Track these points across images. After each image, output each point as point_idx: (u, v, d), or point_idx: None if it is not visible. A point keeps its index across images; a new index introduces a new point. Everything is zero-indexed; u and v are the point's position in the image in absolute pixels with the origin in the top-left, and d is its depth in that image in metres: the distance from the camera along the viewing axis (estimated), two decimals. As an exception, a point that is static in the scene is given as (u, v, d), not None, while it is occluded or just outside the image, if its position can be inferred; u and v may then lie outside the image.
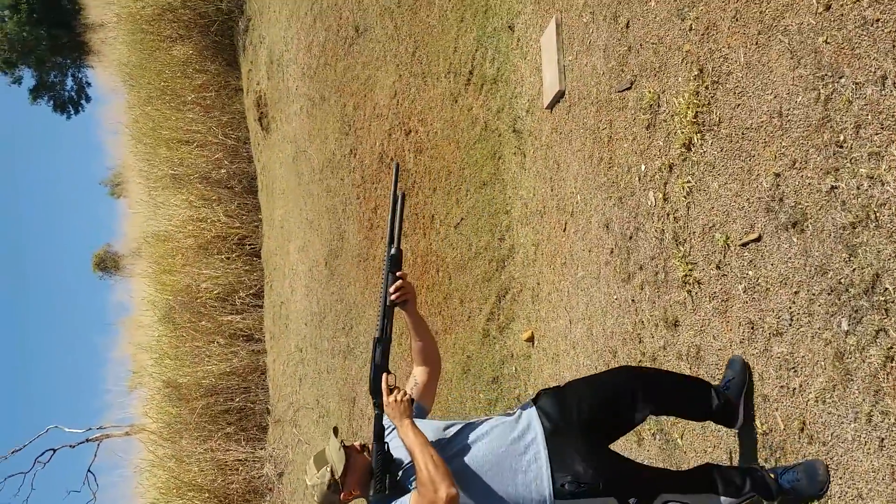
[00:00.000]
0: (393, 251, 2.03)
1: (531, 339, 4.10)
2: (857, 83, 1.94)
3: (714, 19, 2.58)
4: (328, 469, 2.12)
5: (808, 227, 2.18)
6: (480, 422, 2.20)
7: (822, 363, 2.14)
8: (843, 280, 2.05)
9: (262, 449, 8.53)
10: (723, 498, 2.19)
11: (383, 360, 2.11)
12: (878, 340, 1.94)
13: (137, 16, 9.64)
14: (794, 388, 2.27)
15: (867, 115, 1.92)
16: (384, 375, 2.11)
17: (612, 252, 3.38)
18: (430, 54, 5.58)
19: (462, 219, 4.99)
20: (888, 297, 1.90)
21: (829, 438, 2.14)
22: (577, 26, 3.72)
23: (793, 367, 2.27)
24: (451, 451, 2.11)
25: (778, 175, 2.29)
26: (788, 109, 2.22)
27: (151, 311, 10.16)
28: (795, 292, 2.25)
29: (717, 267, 2.61)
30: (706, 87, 2.63)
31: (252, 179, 9.72)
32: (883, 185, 1.88)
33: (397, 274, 2.09)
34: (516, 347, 4.23)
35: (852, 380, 2.03)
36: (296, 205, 8.49)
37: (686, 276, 2.79)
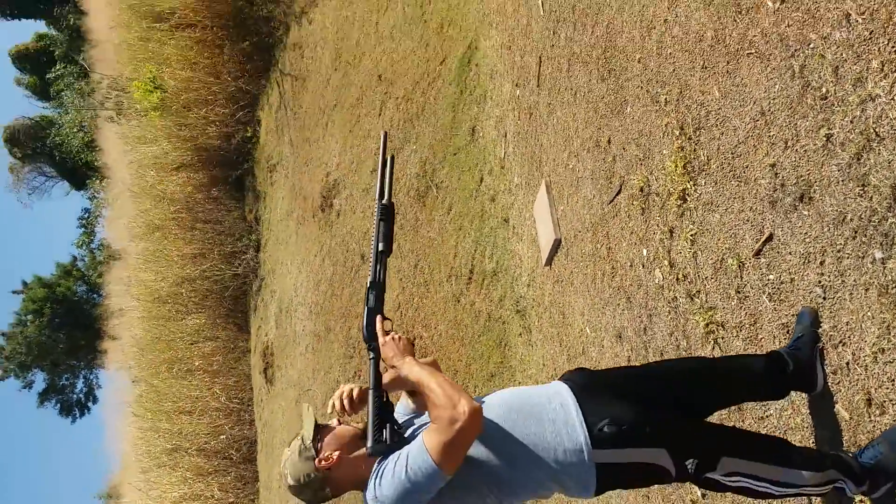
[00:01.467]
0: (385, 202, 1.98)
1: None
2: (824, 38, 2.11)
3: (685, 80, 2.85)
4: (298, 437, 1.85)
5: (814, 191, 2.16)
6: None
7: (868, 312, 1.95)
8: (863, 215, 1.98)
9: None
10: (804, 472, 1.81)
11: (377, 304, 1.92)
12: (917, 247, 1.81)
13: (156, 293, 10.21)
14: (847, 363, 2.03)
15: (842, 54, 2.03)
16: (378, 318, 1.91)
17: (629, 359, 3.22)
18: (432, 264, 5.82)
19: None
20: (913, 199, 1.83)
21: (903, 393, 1.85)
22: (563, 174, 4.01)
23: (840, 342, 2.05)
24: None
25: (773, 165, 2.33)
26: (769, 102, 2.35)
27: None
28: (821, 262, 2.14)
29: (738, 293, 2.49)
30: (689, 138, 2.80)
31: (251, 445, 9.33)
32: (874, 100, 1.93)
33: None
34: None
35: (905, 308, 1.84)
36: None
37: (707, 325, 2.63)
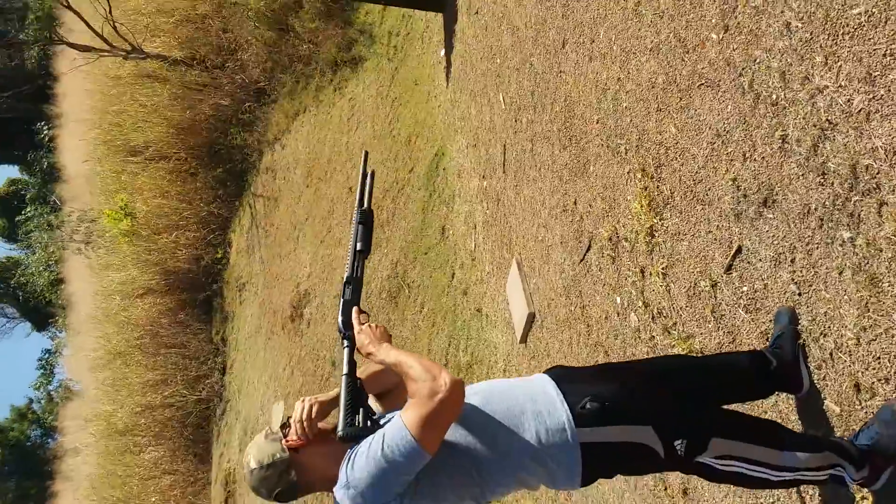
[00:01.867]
0: (364, 208, 1.98)
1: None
2: (768, 50, 2.23)
3: (642, 127, 2.97)
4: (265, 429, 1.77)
5: (776, 193, 2.21)
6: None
7: (845, 296, 1.94)
8: (826, 202, 2.01)
9: None
10: (799, 453, 1.71)
11: (354, 296, 1.86)
12: (883, 216, 1.83)
13: (113, 426, 9.69)
14: (831, 353, 1.98)
15: (787, 59, 2.14)
16: (355, 309, 1.83)
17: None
18: (402, 363, 5.68)
19: None
20: (872, 173, 1.87)
21: (892, 367, 1.80)
22: (534, 247, 4.05)
23: (821, 334, 2.02)
24: None
25: (734, 179, 2.39)
26: (724, 123, 2.45)
27: None
28: (792, 260, 2.15)
29: (713, 314, 2.47)
30: (651, 178, 2.88)
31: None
32: (822, 91, 2.02)
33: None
34: None
35: (881, 280, 1.83)
36: None
37: (688, 354, 2.59)
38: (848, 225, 1.94)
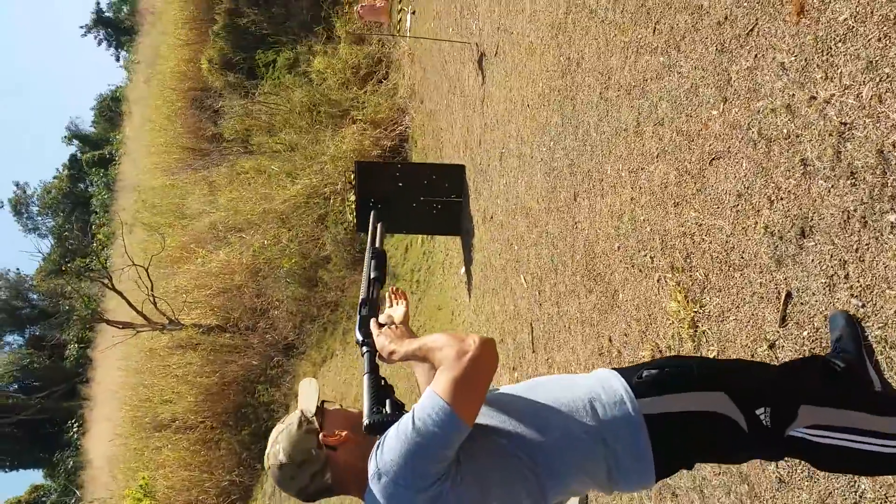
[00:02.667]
0: (377, 248, 1.93)
1: None
2: (769, 95, 2.26)
3: (663, 229, 2.93)
4: (296, 412, 1.50)
5: (812, 218, 2.09)
6: None
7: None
8: (864, 198, 1.90)
9: None
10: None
11: (371, 313, 1.71)
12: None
13: None
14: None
15: (789, 93, 2.15)
16: (373, 320, 1.66)
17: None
18: None
19: None
20: (902, 147, 1.80)
21: None
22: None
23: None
24: (500, 396, 1.54)
25: (766, 227, 2.29)
26: (742, 182, 2.41)
27: None
28: (845, 275, 1.97)
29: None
30: (682, 270, 2.77)
31: None
32: (829, 101, 1.99)
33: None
34: None
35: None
36: None
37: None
38: (893, 207, 1.82)
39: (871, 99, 1.90)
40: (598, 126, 3.53)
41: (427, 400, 1.32)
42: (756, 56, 2.36)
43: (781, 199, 2.23)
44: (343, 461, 1.42)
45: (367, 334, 1.65)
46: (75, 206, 30.95)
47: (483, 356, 1.33)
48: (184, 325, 10.43)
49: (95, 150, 29.34)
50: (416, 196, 6.40)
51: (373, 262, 1.89)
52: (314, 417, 1.46)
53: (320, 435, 1.43)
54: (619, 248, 3.32)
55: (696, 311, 2.65)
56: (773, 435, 1.39)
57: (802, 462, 1.94)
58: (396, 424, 1.35)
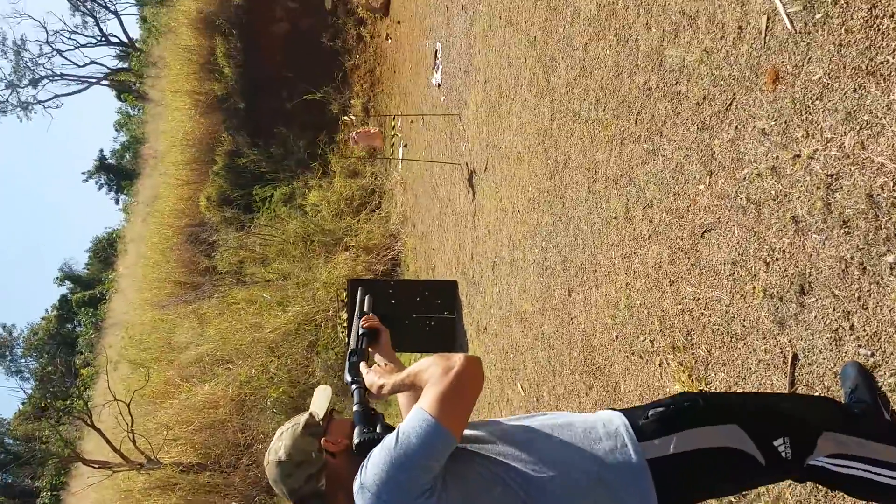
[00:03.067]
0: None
1: None
2: (752, 161, 2.30)
3: (660, 310, 2.87)
4: (305, 413, 1.53)
5: (809, 273, 2.06)
6: None
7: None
8: (860, 244, 1.88)
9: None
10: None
11: (359, 357, 1.68)
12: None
13: None
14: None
15: (773, 155, 2.18)
16: (362, 363, 1.63)
17: None
18: None
19: None
20: (888, 188, 1.79)
21: None
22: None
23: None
24: (495, 427, 1.47)
25: (765, 291, 2.25)
26: (735, 250, 2.39)
27: None
28: (850, 326, 1.91)
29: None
30: (683, 349, 2.68)
31: None
32: (813, 157, 2.01)
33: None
34: None
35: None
36: None
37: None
38: (889, 249, 1.80)
39: (853, 147, 1.93)
40: (589, 218, 3.57)
41: (412, 414, 1.31)
42: (737, 127, 2.43)
43: (777, 259, 2.21)
44: (339, 470, 1.42)
45: (356, 374, 1.61)
46: (60, 345, 30.49)
47: (468, 370, 1.32)
48: (163, 463, 9.97)
49: (86, 290, 29.34)
50: (409, 313, 6.35)
51: (364, 339, 1.86)
52: (321, 422, 1.47)
53: (323, 439, 1.44)
54: (616, 336, 3.25)
55: (701, 390, 2.55)
56: (794, 468, 1.29)
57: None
58: (383, 441, 1.32)
